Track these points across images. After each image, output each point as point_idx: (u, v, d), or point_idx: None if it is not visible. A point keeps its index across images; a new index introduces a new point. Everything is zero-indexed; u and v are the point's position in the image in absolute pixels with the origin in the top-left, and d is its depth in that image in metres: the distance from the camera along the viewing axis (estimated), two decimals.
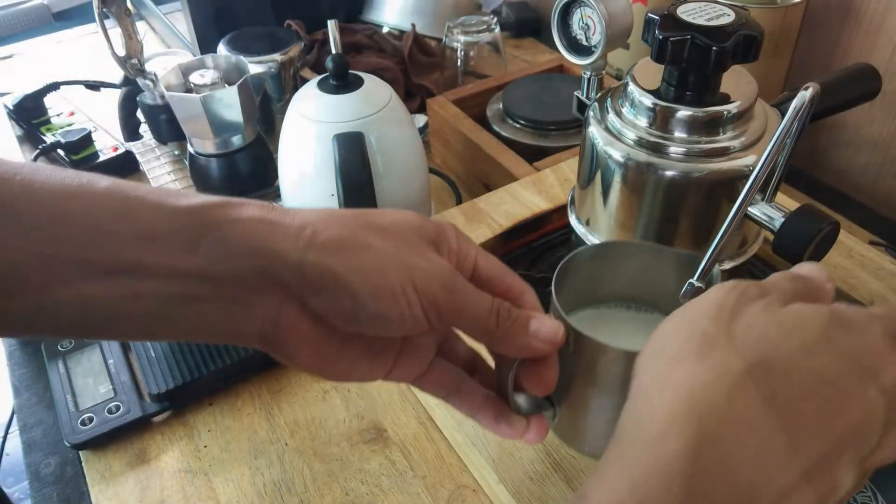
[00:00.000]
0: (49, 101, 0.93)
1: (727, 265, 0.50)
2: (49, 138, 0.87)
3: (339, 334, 0.33)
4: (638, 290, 0.45)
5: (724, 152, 0.45)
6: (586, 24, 0.51)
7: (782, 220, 0.42)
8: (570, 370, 0.39)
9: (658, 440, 0.26)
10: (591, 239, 0.54)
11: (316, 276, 0.30)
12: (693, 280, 0.39)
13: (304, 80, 0.71)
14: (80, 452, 0.54)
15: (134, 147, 0.90)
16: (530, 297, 0.36)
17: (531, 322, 0.34)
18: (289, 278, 0.31)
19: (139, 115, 0.84)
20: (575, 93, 0.57)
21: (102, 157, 0.87)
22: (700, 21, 0.43)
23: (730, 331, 0.28)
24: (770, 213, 0.42)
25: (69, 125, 0.91)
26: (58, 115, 0.94)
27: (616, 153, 0.47)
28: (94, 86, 0.91)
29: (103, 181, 0.30)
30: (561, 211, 0.68)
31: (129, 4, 0.72)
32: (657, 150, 0.45)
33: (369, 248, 0.31)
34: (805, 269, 0.33)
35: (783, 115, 0.37)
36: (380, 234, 0.32)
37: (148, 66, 0.77)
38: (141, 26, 1.13)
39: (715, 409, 0.26)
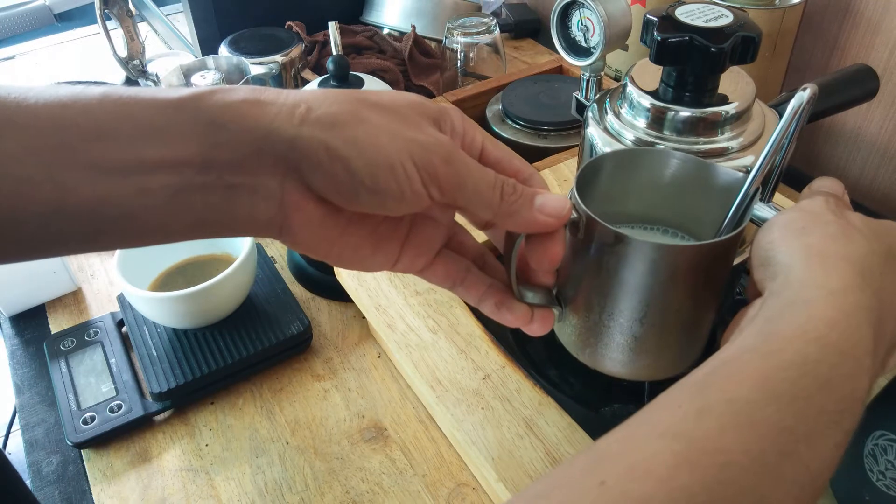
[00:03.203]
0: None
1: None
2: None
3: (345, 216, 0.33)
4: (670, 209, 0.42)
5: (722, 153, 0.45)
6: (585, 26, 0.52)
7: None
8: (580, 263, 0.37)
9: (841, 293, 0.30)
10: None
11: (311, 151, 0.30)
12: None
13: (305, 81, 0.71)
14: (81, 451, 0.55)
15: None
16: (538, 180, 0.36)
17: (536, 196, 0.34)
18: (285, 155, 0.30)
19: None
20: (574, 94, 0.57)
21: None
22: (698, 22, 0.43)
23: (851, 224, 0.33)
24: (768, 213, 0.43)
25: None
26: None
27: None
28: None
29: (97, 89, 0.30)
30: None
31: (130, 6, 0.73)
32: None
33: (366, 122, 0.31)
34: (826, 185, 0.37)
35: (781, 115, 0.37)
36: (376, 109, 0.32)
37: (150, 68, 0.77)
38: (143, 27, 1.13)
39: (877, 276, 0.31)
